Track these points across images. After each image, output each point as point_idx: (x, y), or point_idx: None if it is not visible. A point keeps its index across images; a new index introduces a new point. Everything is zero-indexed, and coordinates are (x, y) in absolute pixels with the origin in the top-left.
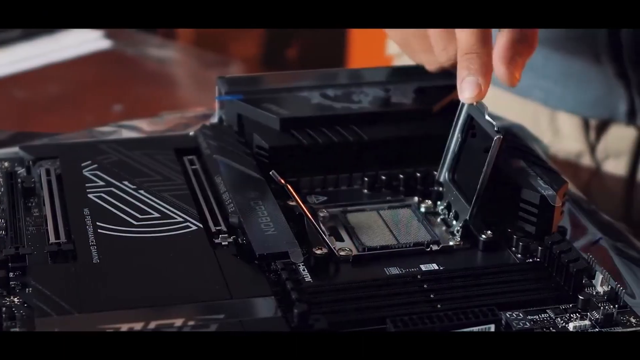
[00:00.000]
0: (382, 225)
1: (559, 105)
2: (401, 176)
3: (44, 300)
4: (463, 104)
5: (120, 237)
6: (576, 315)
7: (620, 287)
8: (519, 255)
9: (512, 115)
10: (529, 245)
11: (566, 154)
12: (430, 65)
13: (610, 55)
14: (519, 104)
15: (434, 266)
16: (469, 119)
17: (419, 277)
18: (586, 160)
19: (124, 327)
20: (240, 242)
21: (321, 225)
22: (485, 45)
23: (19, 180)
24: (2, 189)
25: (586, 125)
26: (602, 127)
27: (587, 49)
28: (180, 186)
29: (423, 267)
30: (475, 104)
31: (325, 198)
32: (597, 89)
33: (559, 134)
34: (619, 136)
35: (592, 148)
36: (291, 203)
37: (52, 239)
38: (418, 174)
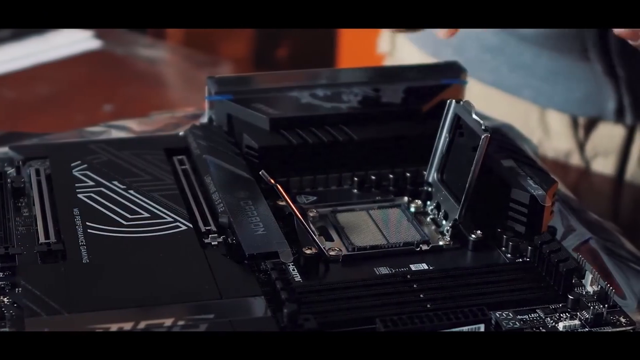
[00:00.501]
0: (372, 225)
1: (548, 104)
2: (391, 176)
3: (34, 300)
4: (450, 104)
5: (110, 237)
6: (566, 315)
7: (610, 286)
8: (509, 255)
9: (502, 113)
10: (518, 245)
11: (555, 152)
12: None
13: (598, 53)
14: (509, 102)
15: (424, 266)
16: (456, 118)
17: (408, 277)
18: (575, 159)
19: (114, 327)
20: (230, 242)
21: (311, 225)
22: None
23: (9, 180)
24: None
25: (575, 123)
26: (591, 125)
27: (575, 46)
28: (170, 186)
29: (413, 267)
30: (461, 102)
31: (315, 198)
32: (586, 87)
33: (549, 132)
34: (608, 134)
35: (581, 146)
36: (281, 203)
37: (41, 239)
38: (408, 174)
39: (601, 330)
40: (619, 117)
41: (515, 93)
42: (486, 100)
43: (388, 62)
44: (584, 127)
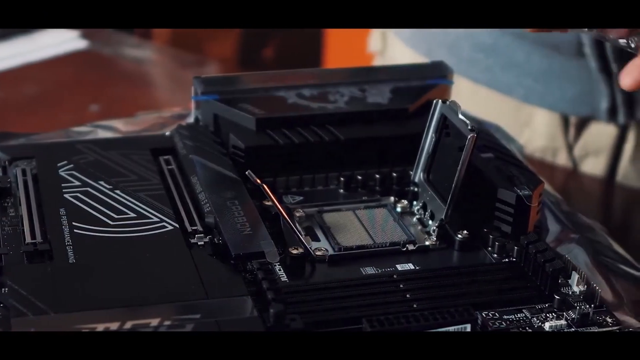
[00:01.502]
0: (358, 225)
1: (540, 103)
2: (377, 176)
3: (20, 300)
4: (436, 104)
5: (96, 237)
6: (552, 315)
7: (596, 286)
8: (495, 255)
9: (493, 112)
10: (505, 245)
11: (544, 151)
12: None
13: (594, 47)
14: (500, 101)
15: (410, 266)
16: (443, 118)
17: (395, 277)
18: (565, 159)
19: (100, 327)
20: (217, 242)
21: (297, 225)
22: None
23: None
24: None
25: (566, 122)
26: (582, 124)
27: (570, 42)
28: (156, 186)
29: (399, 267)
30: (447, 102)
31: (302, 198)
32: (579, 85)
33: (538, 131)
34: (599, 133)
35: (571, 146)
36: (267, 203)
37: (28, 239)
38: (394, 174)
39: (587, 330)
40: (611, 116)
41: (507, 92)
42: (476, 99)
43: (378, 61)
44: (575, 126)
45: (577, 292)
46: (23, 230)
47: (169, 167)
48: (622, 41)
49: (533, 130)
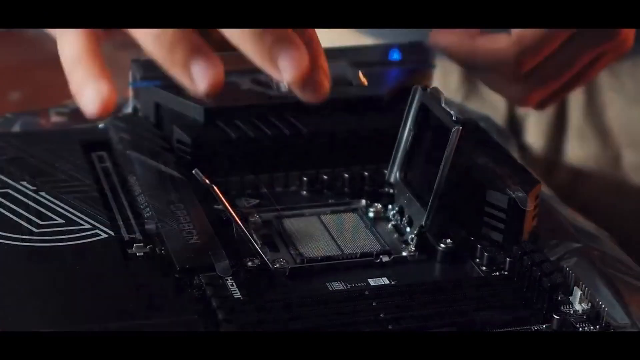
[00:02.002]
0: (324, 233)
1: None
2: (346, 175)
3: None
4: (415, 92)
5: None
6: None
7: (602, 304)
8: (484, 268)
9: (491, 110)
10: (495, 256)
11: (543, 150)
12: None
13: None
14: (498, 99)
15: (384, 280)
16: (423, 108)
17: (366, 293)
18: (566, 158)
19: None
20: (158, 252)
21: (253, 232)
22: None
23: None
24: None
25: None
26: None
27: None
28: (88, 187)
29: (371, 282)
30: (428, 89)
31: (258, 201)
32: None
33: (538, 129)
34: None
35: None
36: (218, 207)
37: None
38: (366, 173)
39: (587, 331)
40: None
41: None
42: (471, 95)
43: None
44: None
45: (580, 311)
46: None
47: (103, 164)
48: None
49: (532, 129)
